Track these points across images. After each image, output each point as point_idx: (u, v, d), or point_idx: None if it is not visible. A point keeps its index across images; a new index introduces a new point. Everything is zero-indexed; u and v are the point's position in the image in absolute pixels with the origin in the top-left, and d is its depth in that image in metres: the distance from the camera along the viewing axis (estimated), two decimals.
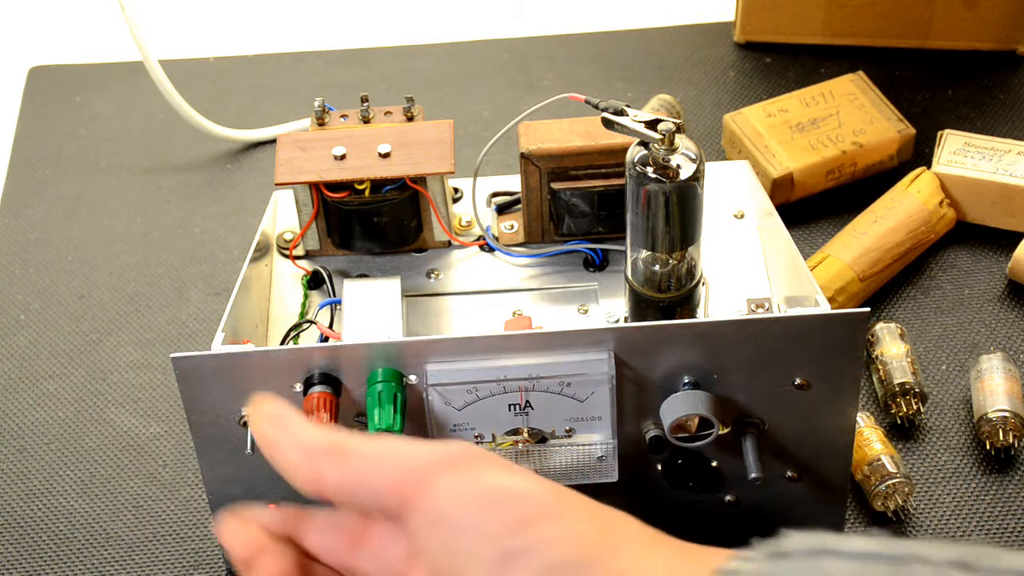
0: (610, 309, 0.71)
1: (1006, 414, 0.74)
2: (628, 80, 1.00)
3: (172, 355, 0.61)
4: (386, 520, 0.59)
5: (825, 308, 0.64)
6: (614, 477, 0.65)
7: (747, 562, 0.44)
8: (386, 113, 0.73)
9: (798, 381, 0.63)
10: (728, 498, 0.69)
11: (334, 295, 0.71)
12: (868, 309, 0.62)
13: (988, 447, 0.75)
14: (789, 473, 0.68)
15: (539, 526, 0.49)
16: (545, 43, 1.04)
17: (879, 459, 0.73)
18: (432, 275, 0.73)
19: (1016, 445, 0.75)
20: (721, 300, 0.70)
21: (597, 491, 0.57)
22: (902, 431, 0.77)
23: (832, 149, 0.88)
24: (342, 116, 0.73)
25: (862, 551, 0.43)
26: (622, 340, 0.62)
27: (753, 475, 0.64)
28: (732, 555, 0.45)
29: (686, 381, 0.63)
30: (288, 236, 0.74)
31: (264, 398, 0.58)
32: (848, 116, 0.90)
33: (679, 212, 0.63)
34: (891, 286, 0.84)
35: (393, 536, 0.59)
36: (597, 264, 0.73)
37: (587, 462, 0.64)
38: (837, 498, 0.70)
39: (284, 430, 0.55)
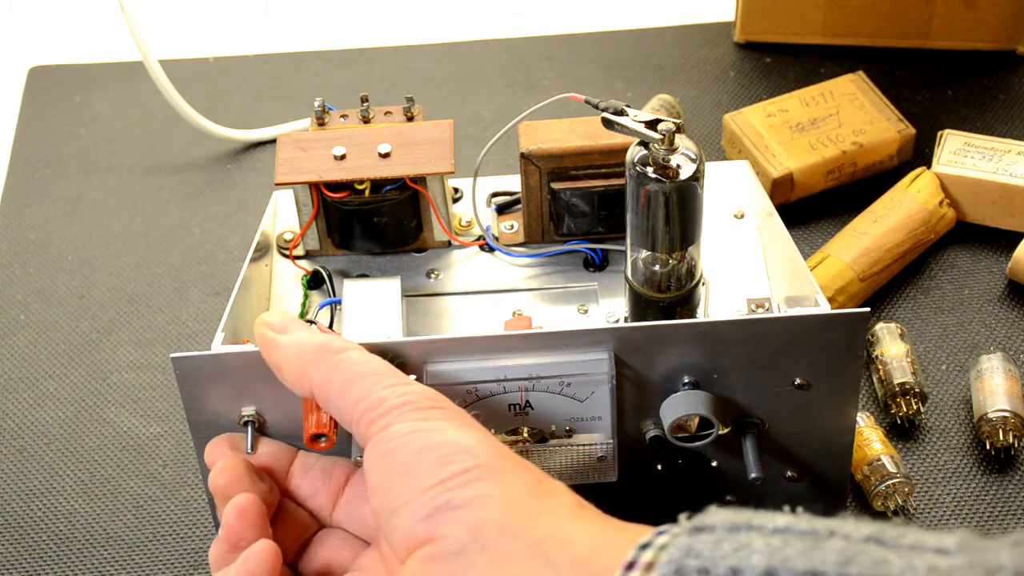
0: (610, 309, 0.71)
1: (1006, 414, 0.74)
2: (628, 80, 1.00)
3: (172, 355, 0.61)
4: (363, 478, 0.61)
5: (825, 308, 0.64)
6: (614, 477, 0.65)
7: (668, 536, 0.45)
8: (386, 113, 0.73)
9: (798, 381, 0.63)
10: (728, 498, 0.69)
11: (334, 295, 0.71)
12: (868, 309, 0.62)
13: (988, 447, 0.75)
14: (789, 473, 0.68)
15: (476, 483, 0.50)
16: (545, 43, 1.04)
17: (879, 459, 0.73)
18: (432, 275, 0.73)
19: (1016, 445, 0.75)
20: (721, 300, 0.70)
21: (597, 491, 0.57)
22: (902, 431, 0.77)
23: (832, 149, 0.88)
24: (342, 116, 0.73)
25: (783, 526, 0.43)
26: (622, 340, 0.62)
27: (753, 475, 0.64)
28: (656, 530, 0.46)
29: (686, 381, 0.63)
30: (288, 236, 0.74)
31: (272, 312, 0.60)
32: (848, 116, 0.90)
33: (679, 212, 0.63)
34: (891, 286, 0.84)
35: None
36: (597, 264, 0.73)
37: (587, 462, 0.64)
38: (837, 498, 0.70)
39: (283, 332, 0.58)
